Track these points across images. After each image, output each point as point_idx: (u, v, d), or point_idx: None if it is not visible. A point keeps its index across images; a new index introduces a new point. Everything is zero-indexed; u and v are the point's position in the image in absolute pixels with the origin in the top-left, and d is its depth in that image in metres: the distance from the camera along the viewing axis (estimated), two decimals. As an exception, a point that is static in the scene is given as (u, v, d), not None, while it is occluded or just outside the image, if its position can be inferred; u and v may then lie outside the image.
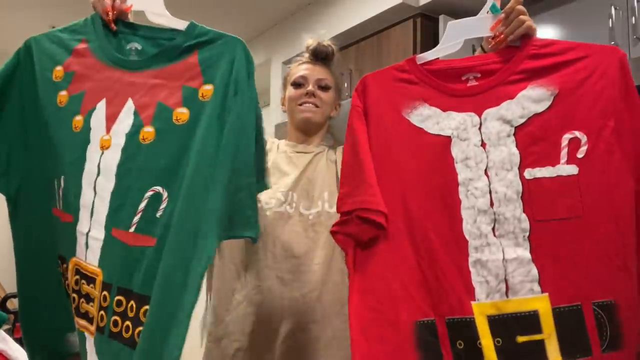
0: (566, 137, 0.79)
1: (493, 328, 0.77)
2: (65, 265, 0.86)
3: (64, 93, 0.84)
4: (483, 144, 0.81)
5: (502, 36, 0.85)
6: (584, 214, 0.77)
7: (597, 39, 1.67)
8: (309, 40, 1.31)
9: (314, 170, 1.17)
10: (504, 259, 0.78)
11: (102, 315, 0.77)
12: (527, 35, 0.84)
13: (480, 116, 0.82)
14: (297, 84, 1.24)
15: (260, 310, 1.12)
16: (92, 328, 0.78)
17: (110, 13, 0.86)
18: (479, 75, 0.85)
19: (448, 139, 0.82)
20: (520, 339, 0.77)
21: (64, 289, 0.88)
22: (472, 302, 0.78)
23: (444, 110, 0.83)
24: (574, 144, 0.79)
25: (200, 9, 2.85)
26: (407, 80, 0.86)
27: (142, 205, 0.77)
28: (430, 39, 2.15)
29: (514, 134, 0.80)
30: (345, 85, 2.49)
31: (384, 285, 0.80)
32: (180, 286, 0.70)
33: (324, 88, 1.23)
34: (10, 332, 2.44)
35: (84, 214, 0.81)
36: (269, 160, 1.11)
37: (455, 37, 0.92)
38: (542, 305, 0.77)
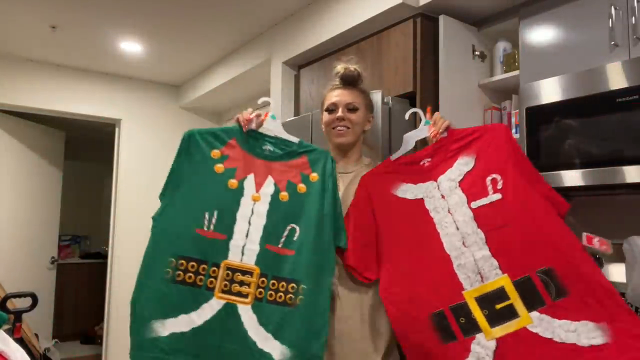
0: (488, 179, 1.29)
1: (479, 304, 1.19)
2: (186, 265, 1.33)
3: (220, 165, 1.41)
4: (443, 197, 1.31)
5: (436, 133, 1.39)
6: (512, 221, 1.22)
7: (597, 38, 1.67)
8: (338, 67, 1.52)
9: (352, 193, 1.47)
10: (474, 259, 1.22)
11: (260, 291, 1.32)
12: (449, 127, 1.40)
13: (437, 181, 1.34)
14: (329, 110, 1.49)
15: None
16: (248, 300, 1.31)
17: (245, 126, 1.44)
18: (429, 159, 1.37)
19: (422, 200, 1.33)
20: (498, 306, 1.18)
21: (166, 280, 1.32)
22: (463, 292, 1.21)
23: (415, 183, 1.35)
24: (494, 181, 1.28)
25: (202, 8, 2.85)
26: (390, 172, 1.40)
27: (286, 233, 1.37)
28: (430, 39, 2.15)
29: (459, 186, 1.31)
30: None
31: (404, 296, 1.25)
32: (323, 275, 1.34)
33: (353, 110, 1.48)
34: (10, 332, 2.44)
35: (239, 236, 1.36)
36: None
37: (409, 142, 1.45)
38: (505, 282, 1.19)
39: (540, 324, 1.13)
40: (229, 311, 1.30)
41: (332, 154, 1.51)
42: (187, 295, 1.30)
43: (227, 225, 1.36)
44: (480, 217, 1.25)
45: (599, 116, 1.57)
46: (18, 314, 2.54)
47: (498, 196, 1.24)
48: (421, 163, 1.37)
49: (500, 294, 1.16)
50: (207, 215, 1.36)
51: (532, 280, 1.16)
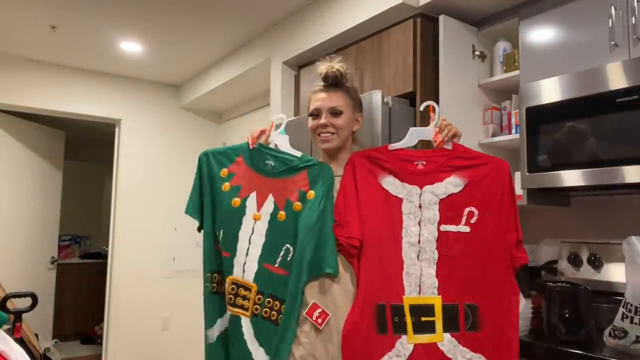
0: (467, 210, 1.36)
1: (411, 311, 1.33)
2: (219, 277, 1.49)
3: (227, 184, 1.48)
4: (420, 206, 1.37)
5: (440, 142, 1.39)
6: (468, 254, 1.34)
7: (597, 39, 1.67)
8: (321, 67, 1.44)
9: None
10: (421, 274, 1.34)
11: (256, 307, 1.41)
12: (456, 136, 1.40)
13: (421, 189, 1.38)
14: (313, 115, 1.44)
15: None
16: (248, 313, 1.42)
17: (252, 143, 1.48)
18: (425, 162, 1.39)
19: (401, 199, 1.38)
20: (424, 319, 1.33)
21: (209, 292, 1.50)
22: (403, 296, 1.34)
23: (401, 181, 1.39)
24: (470, 214, 1.36)
25: (202, 8, 2.85)
26: (381, 159, 1.41)
27: (282, 253, 1.41)
28: (430, 39, 2.15)
29: (438, 203, 1.36)
30: (345, 85, 2.49)
31: (364, 284, 1.35)
32: (296, 298, 1.36)
33: (337, 114, 1.41)
34: (10, 332, 2.44)
35: (240, 253, 1.44)
36: None
37: (413, 137, 1.45)
38: (436, 301, 1.34)
39: (448, 344, 1.33)
40: (236, 321, 1.44)
41: (321, 158, 1.48)
42: (221, 303, 1.49)
43: (231, 243, 1.45)
44: (442, 241, 1.34)
45: (599, 116, 1.57)
46: (18, 314, 2.54)
47: (466, 229, 1.35)
48: (415, 163, 1.38)
49: (428, 310, 1.33)
50: (218, 234, 1.48)
51: (458, 309, 1.34)
